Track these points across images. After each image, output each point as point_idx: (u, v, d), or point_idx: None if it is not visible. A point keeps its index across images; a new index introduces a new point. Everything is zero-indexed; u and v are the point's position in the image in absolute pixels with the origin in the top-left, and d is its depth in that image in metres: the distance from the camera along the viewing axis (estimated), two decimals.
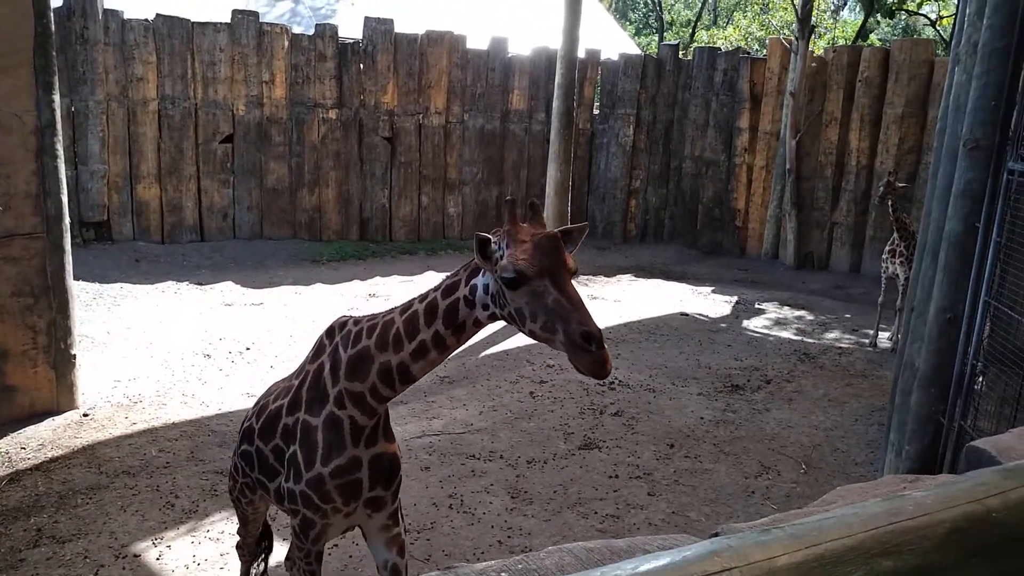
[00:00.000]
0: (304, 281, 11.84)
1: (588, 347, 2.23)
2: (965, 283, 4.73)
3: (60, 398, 6.79)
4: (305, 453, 2.82)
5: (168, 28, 12.55)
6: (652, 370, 8.62)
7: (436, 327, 2.61)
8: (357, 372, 2.73)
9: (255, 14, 13.24)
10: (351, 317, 2.90)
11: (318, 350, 2.91)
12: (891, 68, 13.31)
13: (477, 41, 14.60)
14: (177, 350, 8.50)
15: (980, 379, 5.03)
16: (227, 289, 11.21)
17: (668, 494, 5.93)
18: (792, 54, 13.98)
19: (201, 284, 11.35)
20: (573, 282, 2.43)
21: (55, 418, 6.66)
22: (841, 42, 23.29)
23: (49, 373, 6.71)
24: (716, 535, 0.68)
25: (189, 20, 12.71)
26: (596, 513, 5.61)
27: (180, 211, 13.06)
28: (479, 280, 2.56)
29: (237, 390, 7.52)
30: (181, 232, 13.12)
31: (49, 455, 6.03)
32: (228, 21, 12.93)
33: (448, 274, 2.70)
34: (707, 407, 7.67)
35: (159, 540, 5.00)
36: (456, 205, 14.91)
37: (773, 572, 0.59)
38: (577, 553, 0.75)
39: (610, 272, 13.49)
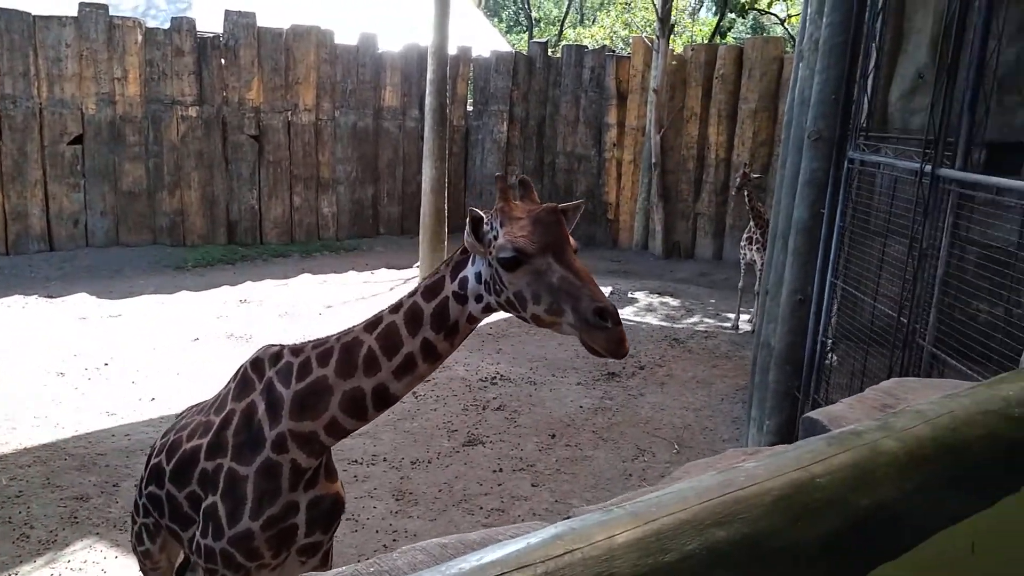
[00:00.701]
0: (167, 289, 11.23)
1: (604, 324, 2.04)
2: (813, 266, 5.09)
3: None
4: (229, 507, 2.45)
5: (6, 22, 11.56)
6: (533, 363, 8.77)
7: (424, 335, 2.36)
8: (308, 409, 2.41)
9: (104, 7, 12.40)
10: (283, 346, 2.57)
11: (244, 385, 2.56)
12: (745, 65, 14.10)
13: (345, 37, 14.31)
14: (27, 369, 7.86)
15: (831, 355, 5.44)
16: (81, 301, 10.46)
17: (551, 483, 6.05)
18: (654, 52, 14.55)
19: (51, 297, 10.54)
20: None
21: None
22: (699, 41, 24.47)
23: None
24: (567, 519, 0.70)
25: (30, 13, 11.76)
26: (481, 508, 5.65)
27: (25, 219, 12.06)
28: (468, 270, 2.36)
29: (95, 409, 7.05)
30: (27, 241, 12.13)
31: None
32: (75, 15, 12.06)
33: (427, 276, 2.46)
34: (586, 396, 7.88)
35: (13, 575, 4.62)
36: (331, 205, 14.57)
37: (613, 550, 0.61)
38: (430, 550, 0.76)
39: None
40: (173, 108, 12.85)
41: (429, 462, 6.32)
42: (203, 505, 2.53)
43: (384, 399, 2.43)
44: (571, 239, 2.24)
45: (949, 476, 0.89)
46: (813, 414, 1.29)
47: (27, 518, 5.22)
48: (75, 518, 5.26)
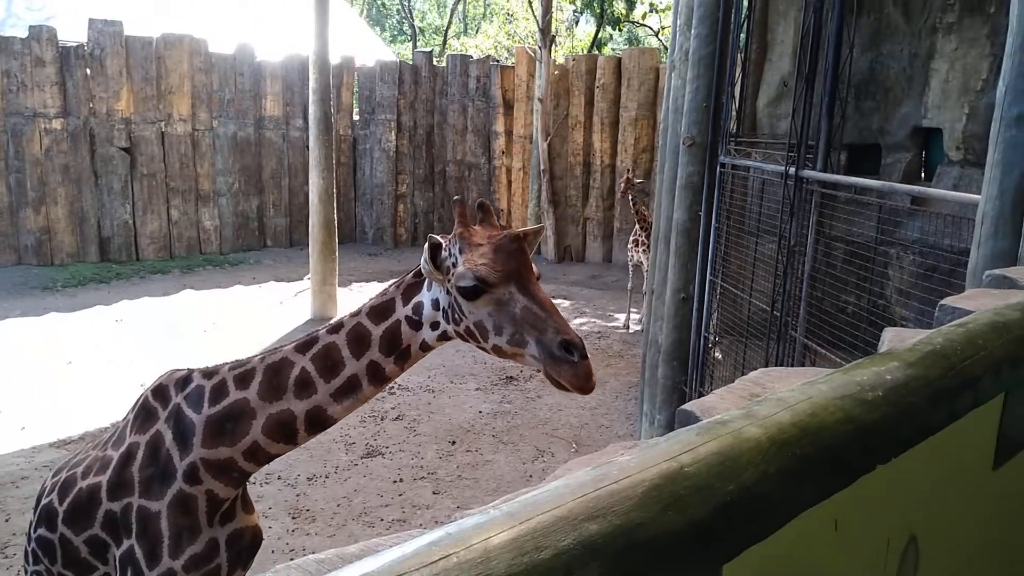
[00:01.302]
0: (35, 311, 10.47)
1: (571, 357, 1.96)
2: (694, 265, 5.32)
3: None
4: (146, 548, 2.25)
5: None
6: (431, 371, 8.72)
7: (371, 357, 2.24)
8: (223, 434, 2.25)
9: None
10: (192, 370, 2.40)
11: (146, 416, 2.36)
12: (624, 75, 14.56)
13: (221, 45, 13.81)
14: None
15: (715, 349, 5.70)
16: None
17: (452, 490, 6.04)
18: (537, 62, 14.81)
19: None
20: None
21: None
22: (580, 51, 25.08)
23: None
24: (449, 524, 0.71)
25: None
26: (383, 520, 5.57)
27: None
28: (424, 296, 2.24)
29: None
30: None
31: None
32: None
33: (373, 296, 2.34)
34: (485, 401, 7.91)
35: None
36: (212, 218, 14.00)
37: (489, 551, 0.63)
38: (306, 567, 0.74)
39: (383, 277, 13.43)
40: (35, 121, 12.03)
41: (327, 477, 6.18)
42: (117, 553, 2.33)
43: (320, 421, 2.28)
44: (533, 267, 2.15)
45: (809, 459, 0.95)
46: (687, 406, 1.35)
47: None
48: None
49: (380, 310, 2.28)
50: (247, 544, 2.43)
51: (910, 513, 1.24)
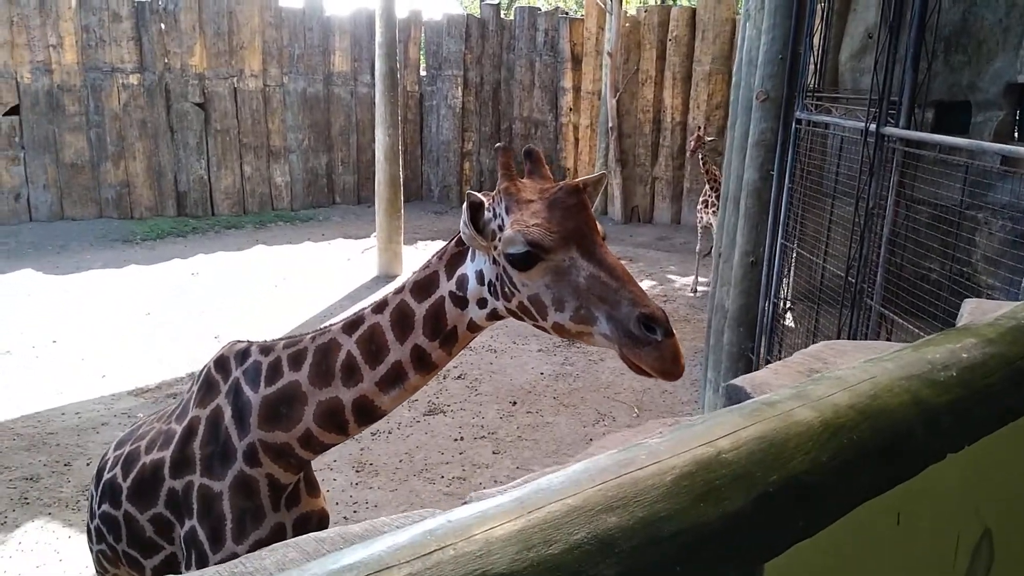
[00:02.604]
0: (116, 264, 10.92)
1: (651, 336, 1.61)
2: (764, 228, 5.11)
3: None
4: (208, 530, 2.12)
5: None
6: (493, 330, 8.73)
7: (415, 340, 1.99)
8: (278, 418, 2.08)
9: None
10: (251, 343, 2.23)
11: (208, 388, 2.22)
12: (698, 26, 14.02)
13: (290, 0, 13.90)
14: None
15: (787, 316, 5.49)
16: (26, 278, 10.13)
17: (512, 450, 6.06)
18: (607, 14, 14.38)
19: None
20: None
21: None
22: (652, 2, 24.28)
23: None
24: (466, 503, 0.65)
25: None
26: (443, 477, 5.64)
27: None
28: (468, 267, 1.94)
29: (44, 387, 6.86)
30: None
31: None
32: None
33: (417, 268, 2.07)
34: (546, 362, 7.88)
35: None
36: (283, 174, 14.25)
37: (491, 543, 0.57)
38: (304, 546, 0.71)
39: (448, 236, 13.47)
40: (113, 76, 12.39)
41: (389, 432, 6.28)
42: (181, 533, 2.20)
43: (368, 412, 2.07)
44: (598, 225, 1.80)
45: (868, 446, 0.86)
46: (737, 381, 1.25)
47: None
48: (25, 499, 5.14)
49: (423, 285, 2.02)
50: (314, 529, 2.23)
51: (984, 506, 1.12)
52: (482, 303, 1.94)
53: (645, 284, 10.93)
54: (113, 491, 2.37)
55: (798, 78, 5.22)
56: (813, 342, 5.13)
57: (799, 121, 5.19)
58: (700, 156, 9.77)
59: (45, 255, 11.16)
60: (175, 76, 12.86)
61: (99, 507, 2.44)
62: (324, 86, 14.37)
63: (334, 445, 2.16)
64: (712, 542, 0.68)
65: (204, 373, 2.25)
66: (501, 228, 1.80)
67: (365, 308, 2.09)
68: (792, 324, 5.59)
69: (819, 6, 5.14)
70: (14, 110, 11.84)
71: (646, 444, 0.72)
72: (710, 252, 10.06)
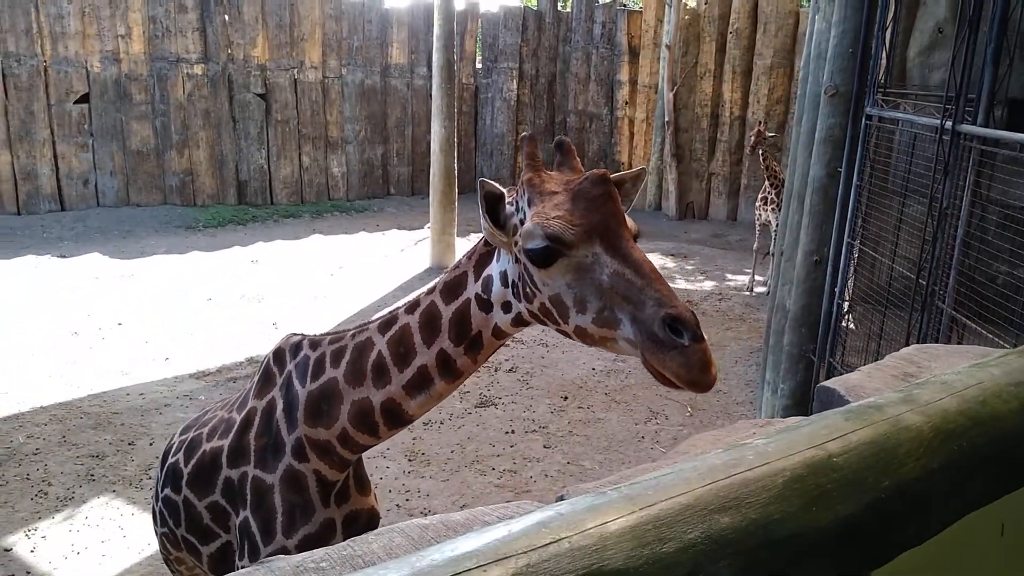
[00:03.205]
0: (179, 249, 11.22)
1: (677, 341, 1.44)
2: (829, 226, 4.97)
3: None
4: (260, 522, 2.10)
5: None
6: None
7: (441, 345, 1.89)
8: (321, 414, 2.04)
9: None
10: (304, 336, 2.19)
11: (266, 379, 2.20)
12: (759, 19, 13.73)
13: None
14: (41, 329, 7.90)
15: (848, 317, 5.35)
16: (94, 261, 10.48)
17: (563, 445, 6.05)
18: (666, 6, 14.18)
19: (64, 257, 10.56)
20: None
21: None
22: None
23: None
24: (560, 498, 0.64)
25: None
26: (494, 469, 5.66)
27: (35, 179, 12.05)
28: (493, 268, 1.82)
29: (110, 368, 7.09)
30: (38, 201, 12.13)
31: None
32: None
33: (448, 268, 1.97)
34: (598, 358, 7.83)
35: (32, 531, 4.69)
36: (340, 165, 14.45)
37: (605, 538, 0.56)
38: (409, 532, 0.70)
39: None
40: (178, 66, 12.71)
41: (442, 423, 6.33)
42: (236, 522, 2.19)
43: (396, 416, 2.00)
44: (628, 220, 1.67)
45: (979, 453, 0.82)
46: (829, 383, 1.21)
47: (44, 475, 5.29)
48: (91, 475, 5.32)
49: (452, 287, 1.90)
50: (362, 527, 2.20)
51: None
52: (507, 307, 1.82)
53: (700, 282, 10.79)
54: (175, 476, 2.39)
55: (869, 73, 5.06)
56: (877, 345, 4.99)
57: (869, 117, 5.03)
58: (760, 152, 9.57)
59: (111, 240, 11.53)
60: (238, 67, 13.13)
61: (162, 490, 2.47)
62: (381, 78, 14.51)
63: (370, 446, 2.10)
64: (823, 547, 0.66)
65: (264, 365, 2.23)
66: (523, 223, 1.68)
67: (399, 307, 2.03)
68: (852, 326, 5.44)
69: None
70: (84, 98, 12.24)
71: (753, 445, 0.70)
72: (768, 250, 9.87)
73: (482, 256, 1.86)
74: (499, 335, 1.88)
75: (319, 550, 0.70)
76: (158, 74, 12.62)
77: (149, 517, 2.88)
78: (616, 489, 0.61)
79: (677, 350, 1.44)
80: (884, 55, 5.24)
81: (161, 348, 7.62)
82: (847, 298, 5.28)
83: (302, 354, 2.12)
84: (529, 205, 1.68)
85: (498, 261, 1.81)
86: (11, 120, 11.78)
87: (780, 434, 0.73)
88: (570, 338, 1.68)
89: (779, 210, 9.28)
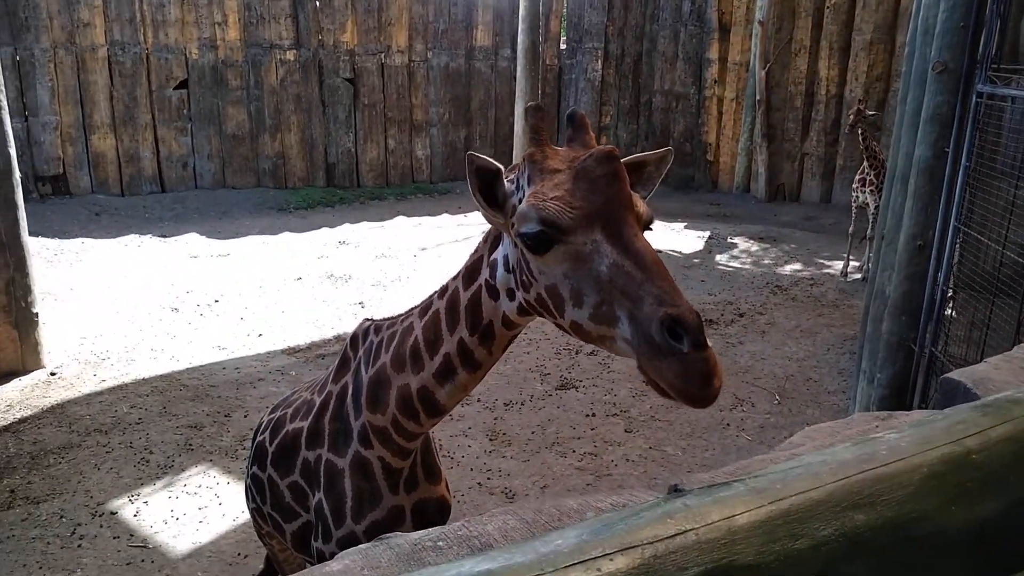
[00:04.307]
0: (271, 230, 11.62)
1: (675, 345, 1.28)
2: (935, 209, 4.72)
3: (25, 358, 6.64)
4: (332, 505, 2.11)
5: None
6: None
7: (460, 334, 1.82)
8: (378, 400, 2.01)
9: None
10: (373, 321, 2.16)
11: (342, 364, 2.20)
12: None
13: None
14: (143, 304, 8.34)
15: (950, 304, 5.07)
16: (192, 240, 10.97)
17: (645, 430, 5.98)
18: None
19: (165, 236, 11.10)
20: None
21: (22, 378, 6.53)
22: None
23: (11, 333, 6.54)
24: (675, 488, 0.62)
25: None
26: (574, 452, 5.65)
27: (138, 162, 12.68)
28: (498, 252, 1.72)
29: (207, 343, 7.42)
30: (140, 183, 12.76)
31: (18, 416, 5.92)
32: None
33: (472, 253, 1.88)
34: None
35: (135, 496, 4.96)
36: (424, 148, 14.63)
37: (733, 532, 0.53)
38: (523, 515, 0.70)
39: None
40: (271, 52, 13.09)
41: (522, 404, 6.36)
42: (310, 502, 2.22)
43: (431, 405, 1.94)
44: (639, 203, 1.50)
45: None
46: (954, 375, 1.14)
47: (147, 444, 5.58)
48: (190, 445, 5.58)
49: (471, 271, 1.80)
50: (432, 516, 2.17)
51: None
52: (511, 294, 1.69)
53: (790, 267, 10.44)
54: (262, 454, 2.43)
55: (980, 48, 4.75)
56: (983, 333, 4.71)
57: (980, 95, 4.73)
58: (860, 131, 9.14)
59: (208, 220, 12.03)
60: (328, 52, 13.42)
61: (250, 467, 2.52)
62: (466, 61, 14.57)
63: (419, 435, 2.03)
64: (961, 549, 0.61)
65: (343, 349, 2.22)
66: (520, 202, 1.55)
67: (435, 292, 1.95)
68: (953, 314, 5.15)
69: None
70: (183, 84, 12.76)
71: (885, 439, 0.66)
72: (865, 234, 9.46)
73: (496, 239, 1.74)
74: (509, 325, 1.77)
75: (434, 529, 0.70)
76: (252, 60, 13.04)
77: (243, 487, 2.99)
78: (741, 481, 0.59)
79: (675, 357, 1.27)
80: (996, 30, 4.90)
81: (255, 324, 7.91)
82: (951, 285, 5.01)
83: (369, 339, 2.10)
84: (529, 183, 1.54)
85: (503, 244, 1.70)
86: (116, 105, 12.39)
87: (913, 428, 0.68)
88: (568, 334, 1.56)
89: (878, 192, 8.87)
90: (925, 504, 0.61)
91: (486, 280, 1.74)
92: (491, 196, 1.60)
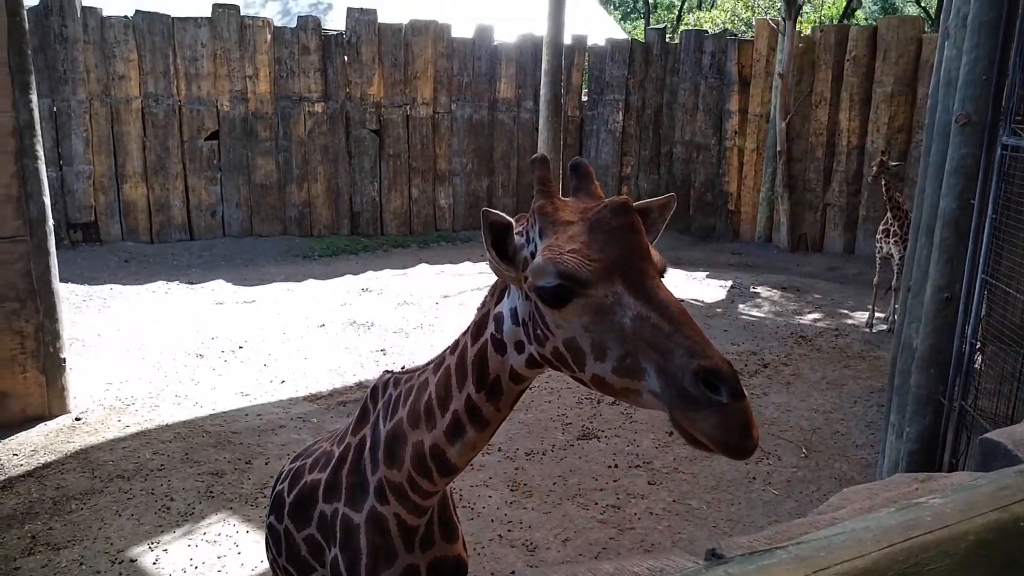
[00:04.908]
0: (296, 277, 11.75)
1: (712, 397, 1.26)
2: (961, 261, 4.68)
3: (51, 403, 6.71)
4: (347, 562, 2.06)
5: (148, 24, 12.40)
6: None
7: (468, 390, 1.79)
8: (394, 456, 1.96)
9: (235, 8, 13.09)
10: (393, 373, 2.12)
11: (361, 416, 2.16)
12: (879, 46, 13.23)
13: (462, 30, 14.47)
14: (169, 350, 8.41)
15: (978, 357, 4.99)
16: (218, 287, 11.11)
17: (668, 482, 5.89)
18: (779, 35, 13.88)
19: (192, 283, 11.25)
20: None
21: (47, 423, 6.59)
22: (826, 22, 23.20)
23: (39, 378, 6.63)
24: (713, 552, 0.61)
25: (169, 16, 12.57)
26: (596, 504, 5.56)
27: (168, 210, 12.94)
28: (504, 305, 1.71)
29: (231, 389, 7.45)
30: (170, 231, 13.00)
31: (42, 461, 5.95)
32: (209, 16, 12.78)
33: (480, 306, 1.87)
34: None
35: (155, 544, 4.94)
36: (447, 197, 14.81)
37: None
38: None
39: None
40: (300, 104, 13.40)
41: (543, 454, 6.29)
42: (325, 557, 2.16)
43: (444, 465, 1.89)
44: (654, 253, 1.49)
45: None
46: (993, 435, 1.12)
47: (168, 490, 5.57)
48: (211, 492, 5.56)
49: (479, 325, 1.78)
50: (447, 575, 2.12)
51: None
52: (519, 347, 1.67)
53: (813, 316, 10.35)
54: (280, 504, 2.37)
55: (1003, 101, 4.76)
56: (1013, 387, 4.62)
57: (1004, 147, 4.72)
58: (883, 181, 9.15)
59: (235, 267, 12.20)
60: (355, 104, 13.73)
61: (268, 517, 2.47)
62: (489, 112, 14.83)
63: (434, 493, 1.98)
64: None
65: (364, 400, 2.18)
66: (534, 256, 1.53)
67: (448, 347, 1.93)
68: (980, 367, 5.06)
69: None
70: (214, 135, 13.08)
71: (928, 504, 0.65)
72: (889, 285, 9.38)
73: (502, 291, 1.73)
74: (516, 379, 1.74)
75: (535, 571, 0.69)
76: (282, 112, 13.36)
77: (262, 536, 2.95)
78: (783, 549, 0.58)
79: (712, 409, 1.25)
80: (1018, 82, 4.92)
81: (278, 371, 7.95)
82: (979, 337, 4.93)
83: (388, 392, 2.06)
84: (541, 236, 1.52)
85: (508, 296, 1.68)
86: (148, 155, 12.72)
87: (957, 493, 0.67)
88: (587, 387, 1.52)
89: (902, 243, 8.82)
90: (971, 574, 0.59)
91: (492, 334, 1.73)
92: (502, 249, 1.59)
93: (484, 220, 1.55)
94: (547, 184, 1.58)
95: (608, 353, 1.40)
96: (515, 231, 1.60)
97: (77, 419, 6.70)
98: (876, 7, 31.08)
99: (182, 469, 5.90)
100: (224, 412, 6.95)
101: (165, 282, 11.23)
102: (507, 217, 1.58)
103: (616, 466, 6.12)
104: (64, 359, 6.79)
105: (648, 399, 1.38)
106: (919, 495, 0.72)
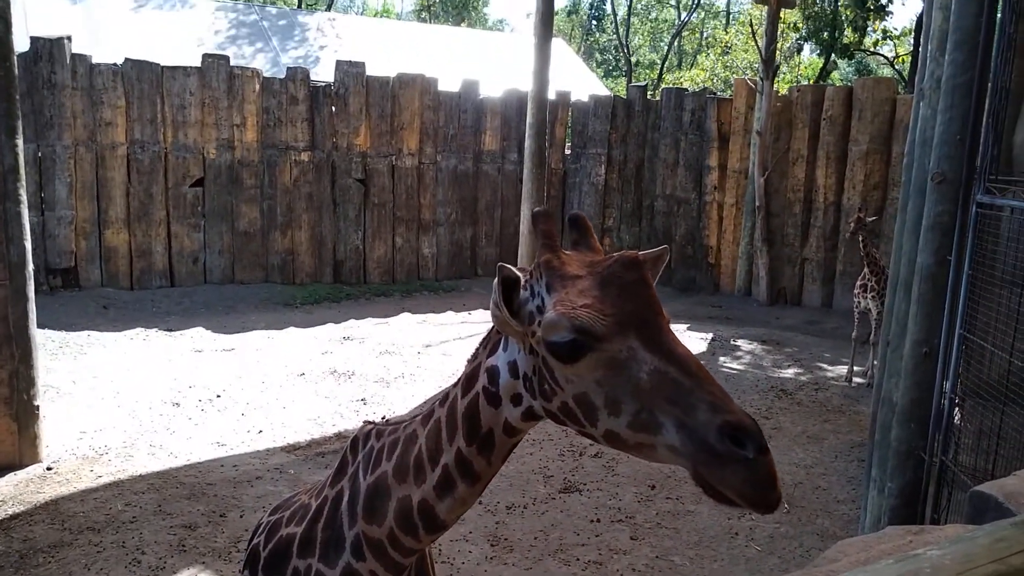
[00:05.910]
0: (277, 325, 11.66)
1: (739, 451, 1.26)
2: (939, 316, 4.75)
3: (23, 451, 6.54)
4: None
5: (137, 72, 12.51)
6: None
7: (458, 444, 1.74)
8: (375, 510, 1.88)
9: (225, 58, 13.26)
10: (375, 425, 2.05)
11: (340, 469, 2.08)
12: (854, 106, 13.61)
13: (448, 83, 14.75)
14: (145, 399, 8.27)
15: (957, 412, 5.03)
16: (197, 335, 10.99)
17: (651, 537, 5.82)
18: (758, 94, 14.25)
19: (171, 330, 11.12)
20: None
21: (17, 472, 6.41)
22: (803, 82, 23.89)
23: (11, 426, 6.47)
24: None
25: (159, 64, 12.69)
26: (578, 560, 5.47)
27: (149, 256, 12.87)
28: (499, 358, 1.68)
29: (207, 439, 7.31)
30: (150, 278, 12.91)
31: (10, 512, 5.78)
32: (198, 65, 12.92)
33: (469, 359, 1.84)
34: None
35: None
36: (431, 246, 14.88)
37: None
38: None
39: None
40: (287, 153, 13.51)
41: (524, 508, 6.21)
42: None
43: (431, 521, 1.83)
44: (662, 308, 1.50)
45: None
46: (984, 488, 1.12)
47: (139, 543, 5.42)
48: (183, 546, 5.41)
49: (469, 378, 1.75)
50: None
51: None
52: (516, 400, 1.65)
53: (793, 371, 10.40)
54: (255, 559, 2.28)
55: (978, 160, 4.90)
56: (992, 442, 4.65)
57: (980, 204, 4.85)
58: (860, 238, 9.33)
59: (215, 315, 12.09)
60: (341, 154, 13.86)
61: (242, 572, 2.36)
62: (473, 163, 15.03)
63: (416, 551, 1.92)
64: None
65: (343, 452, 2.12)
66: (540, 310, 1.51)
67: (437, 398, 1.88)
68: (959, 422, 5.10)
69: (999, 85, 4.85)
70: (199, 182, 13.10)
71: (927, 557, 0.65)
72: (867, 339, 9.47)
73: (495, 344, 1.71)
74: (510, 432, 1.71)
75: None
76: (268, 160, 13.44)
77: None
78: None
79: (740, 464, 1.25)
80: (991, 142, 5.08)
81: (256, 420, 7.83)
82: (957, 392, 4.98)
83: (370, 444, 1.99)
84: (548, 291, 1.51)
85: (505, 350, 1.66)
86: (132, 202, 12.70)
87: (954, 545, 0.68)
88: (596, 442, 1.49)
89: (880, 298, 8.94)
90: None
91: (484, 386, 1.70)
92: (512, 304, 1.58)
93: (499, 275, 1.54)
94: (551, 238, 1.58)
95: (623, 408, 1.39)
96: (523, 282, 1.60)
97: (48, 468, 6.53)
98: (851, 69, 32.12)
99: (154, 521, 5.74)
100: (199, 463, 6.80)
101: (144, 329, 11.09)
102: (517, 272, 1.58)
103: (598, 520, 6.05)
104: (38, 407, 6.65)
105: (664, 454, 1.37)
106: (913, 547, 0.72)
